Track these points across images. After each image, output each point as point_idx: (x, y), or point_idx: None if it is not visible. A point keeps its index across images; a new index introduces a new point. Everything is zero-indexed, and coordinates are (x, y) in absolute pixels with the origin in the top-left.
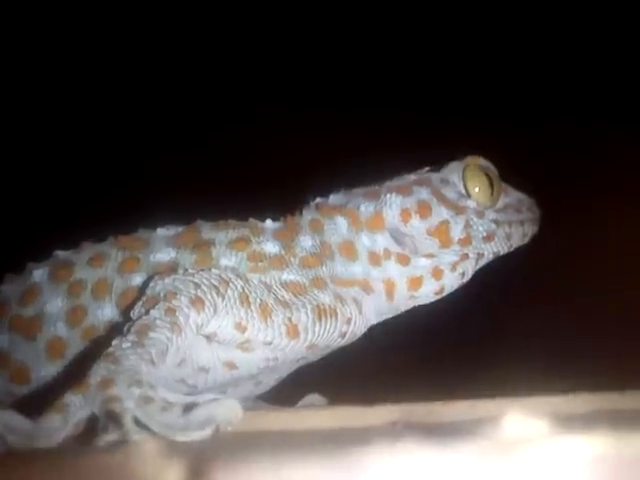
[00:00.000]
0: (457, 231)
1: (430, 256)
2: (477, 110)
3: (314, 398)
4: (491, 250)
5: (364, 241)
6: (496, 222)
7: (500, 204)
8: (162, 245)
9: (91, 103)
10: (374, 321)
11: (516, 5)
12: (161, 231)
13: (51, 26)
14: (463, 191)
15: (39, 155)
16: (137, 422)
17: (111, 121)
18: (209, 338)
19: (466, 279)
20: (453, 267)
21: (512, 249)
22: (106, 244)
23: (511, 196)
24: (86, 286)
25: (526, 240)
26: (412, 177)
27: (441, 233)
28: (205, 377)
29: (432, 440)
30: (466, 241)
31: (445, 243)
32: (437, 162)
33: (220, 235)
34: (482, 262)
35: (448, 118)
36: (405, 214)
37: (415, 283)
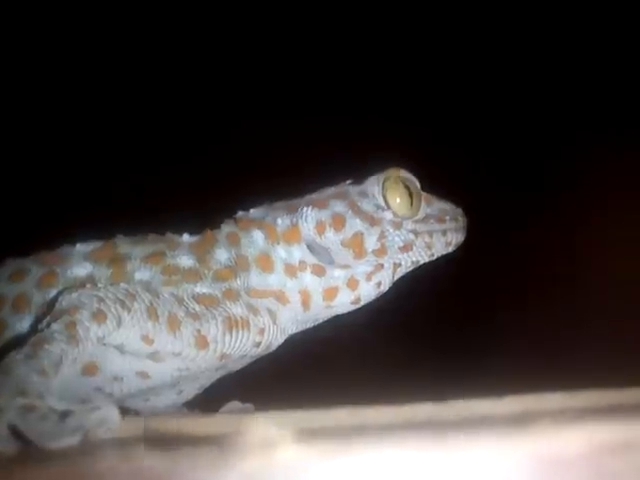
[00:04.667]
0: (371, 242)
1: (345, 267)
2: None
3: (235, 405)
4: (409, 259)
5: (280, 253)
6: (415, 232)
7: (421, 214)
8: (80, 260)
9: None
10: (292, 331)
11: (457, 18)
12: (80, 246)
13: (50, 30)
14: (382, 203)
15: None
16: (17, 431)
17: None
18: (120, 349)
19: (383, 288)
20: (368, 277)
21: (434, 258)
22: (28, 260)
23: (434, 206)
24: (7, 301)
25: (450, 249)
26: (331, 190)
27: (355, 244)
28: (120, 386)
29: (165, 453)
30: (381, 252)
31: (359, 254)
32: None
33: (136, 250)
34: (401, 271)
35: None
36: (320, 227)
37: (330, 293)
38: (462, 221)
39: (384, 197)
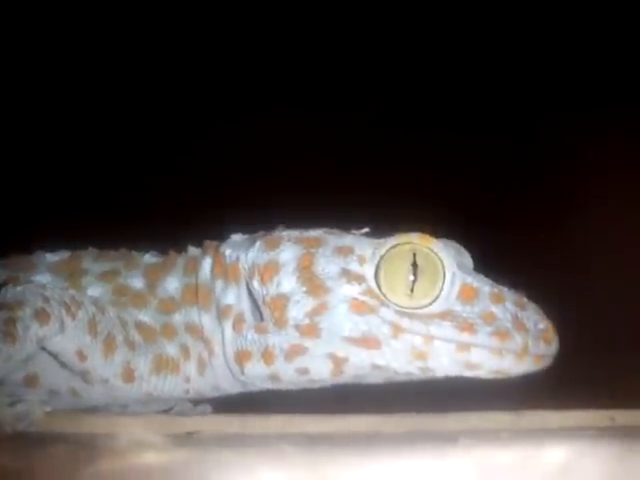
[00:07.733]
0: (296, 313)
1: (263, 331)
2: None
3: (186, 405)
4: (369, 359)
5: (218, 290)
6: (394, 326)
7: (426, 306)
8: (43, 269)
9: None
10: (234, 390)
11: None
12: (49, 256)
13: (49, 32)
14: (361, 271)
15: None
16: None
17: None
18: (56, 358)
19: (317, 379)
20: (287, 356)
21: (432, 375)
22: None
23: (480, 304)
24: None
25: (477, 373)
26: (317, 231)
27: (276, 307)
28: (56, 401)
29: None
30: (308, 331)
31: (278, 321)
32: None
33: (95, 265)
34: (360, 372)
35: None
36: (251, 270)
37: (242, 357)
38: (519, 344)
39: (376, 265)
